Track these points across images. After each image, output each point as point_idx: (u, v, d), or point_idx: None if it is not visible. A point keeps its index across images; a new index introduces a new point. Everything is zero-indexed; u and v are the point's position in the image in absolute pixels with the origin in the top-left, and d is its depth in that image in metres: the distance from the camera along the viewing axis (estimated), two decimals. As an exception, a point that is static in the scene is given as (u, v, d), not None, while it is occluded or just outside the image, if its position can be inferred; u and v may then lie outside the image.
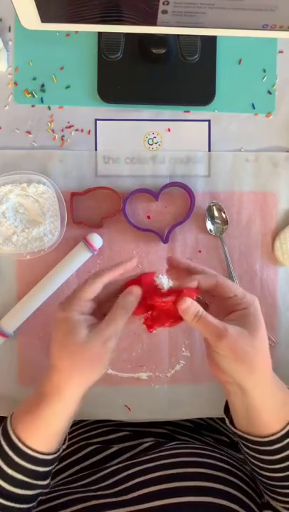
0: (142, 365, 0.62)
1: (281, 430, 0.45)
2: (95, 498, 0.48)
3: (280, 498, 0.48)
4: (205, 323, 0.43)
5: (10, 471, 0.44)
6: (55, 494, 0.50)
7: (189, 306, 0.43)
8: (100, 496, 0.49)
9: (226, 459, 0.52)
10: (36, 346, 0.61)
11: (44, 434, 0.45)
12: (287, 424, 0.45)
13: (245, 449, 0.48)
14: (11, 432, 0.45)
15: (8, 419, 0.47)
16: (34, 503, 0.48)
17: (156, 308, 0.45)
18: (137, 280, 0.46)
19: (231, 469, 0.50)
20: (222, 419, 0.68)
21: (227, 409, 0.51)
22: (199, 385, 0.63)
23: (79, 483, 0.52)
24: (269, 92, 0.62)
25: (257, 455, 0.46)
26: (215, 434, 0.66)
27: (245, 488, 0.49)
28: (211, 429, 0.67)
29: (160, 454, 0.52)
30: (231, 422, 0.49)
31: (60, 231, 0.59)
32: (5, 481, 0.44)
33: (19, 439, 0.44)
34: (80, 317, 0.44)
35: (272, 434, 0.45)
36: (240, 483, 0.49)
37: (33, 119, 0.62)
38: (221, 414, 0.63)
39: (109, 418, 0.62)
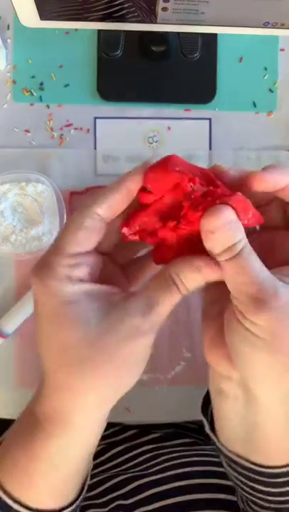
0: (142, 366, 0.61)
1: None
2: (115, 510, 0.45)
3: None
4: (244, 270, 0.24)
5: None
6: None
7: (224, 225, 0.24)
8: (119, 508, 0.46)
9: None
10: (34, 347, 0.61)
11: (47, 483, 0.29)
12: None
13: (232, 471, 0.33)
14: None
15: None
16: None
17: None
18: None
19: None
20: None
21: (205, 409, 0.36)
22: (200, 386, 0.62)
23: (91, 494, 0.49)
24: (270, 91, 0.62)
25: (248, 482, 0.32)
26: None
27: None
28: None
29: (172, 462, 0.50)
30: (212, 430, 0.33)
31: (59, 231, 0.59)
32: None
33: (11, 497, 0.29)
34: (76, 287, 0.25)
35: (277, 467, 0.29)
36: None
37: (32, 118, 0.61)
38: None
39: (108, 420, 0.62)
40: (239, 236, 0.24)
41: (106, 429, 0.62)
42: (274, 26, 0.48)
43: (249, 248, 0.25)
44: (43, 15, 0.48)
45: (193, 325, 0.62)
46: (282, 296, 0.23)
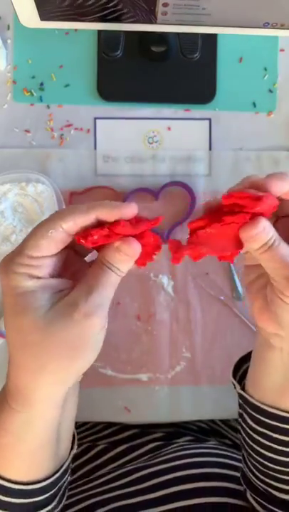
0: (142, 366, 0.61)
1: None
2: (115, 500, 0.45)
3: (271, 482, 0.40)
4: (276, 257, 0.30)
5: None
6: (72, 500, 0.46)
7: (261, 231, 0.29)
8: (120, 497, 0.46)
9: (237, 457, 0.51)
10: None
11: (20, 453, 0.33)
12: None
13: (256, 426, 0.38)
14: None
15: None
16: None
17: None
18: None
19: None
20: (224, 422, 0.68)
21: (236, 371, 0.41)
22: (200, 386, 0.62)
23: (92, 484, 0.50)
24: (270, 91, 0.62)
25: (272, 434, 0.37)
26: (218, 437, 0.65)
27: None
28: (214, 433, 0.66)
29: (173, 455, 0.51)
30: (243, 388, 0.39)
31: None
32: None
33: None
34: (32, 283, 0.29)
35: None
36: None
37: (32, 118, 0.61)
38: (223, 415, 0.63)
39: (108, 420, 0.62)
40: (270, 234, 0.30)
41: (105, 429, 0.63)
42: (274, 27, 0.48)
43: (278, 239, 0.30)
44: (43, 15, 0.48)
45: (193, 325, 0.62)
46: None
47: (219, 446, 0.54)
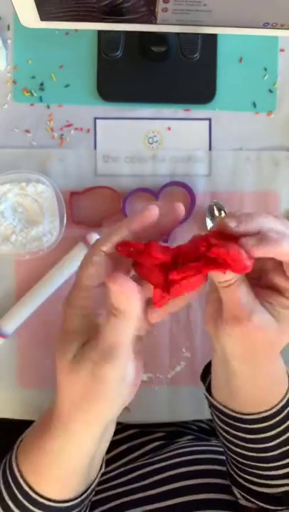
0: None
1: (261, 413, 0.38)
2: (115, 499, 0.47)
3: (245, 476, 0.43)
4: (233, 296, 0.32)
5: None
6: None
7: (231, 278, 0.31)
8: (120, 495, 0.47)
9: None
10: (35, 347, 0.61)
11: (55, 475, 0.36)
12: (273, 407, 0.38)
13: (221, 424, 0.41)
14: (17, 473, 0.37)
15: (14, 453, 0.38)
16: None
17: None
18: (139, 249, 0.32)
19: None
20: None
21: (205, 375, 0.44)
22: (200, 386, 0.62)
23: None
24: (270, 91, 0.62)
25: (230, 430, 0.40)
26: (217, 437, 0.66)
27: None
28: (214, 433, 0.67)
29: (173, 452, 0.52)
30: (209, 390, 0.42)
31: (59, 231, 0.59)
32: None
33: (27, 483, 0.37)
34: (81, 319, 0.32)
35: (250, 414, 0.38)
36: None
37: (32, 118, 0.61)
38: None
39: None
40: (231, 276, 0.32)
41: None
42: (274, 27, 0.48)
43: (240, 280, 0.32)
44: (43, 15, 0.48)
45: (193, 325, 0.62)
46: (254, 320, 0.32)
47: (219, 444, 0.55)
